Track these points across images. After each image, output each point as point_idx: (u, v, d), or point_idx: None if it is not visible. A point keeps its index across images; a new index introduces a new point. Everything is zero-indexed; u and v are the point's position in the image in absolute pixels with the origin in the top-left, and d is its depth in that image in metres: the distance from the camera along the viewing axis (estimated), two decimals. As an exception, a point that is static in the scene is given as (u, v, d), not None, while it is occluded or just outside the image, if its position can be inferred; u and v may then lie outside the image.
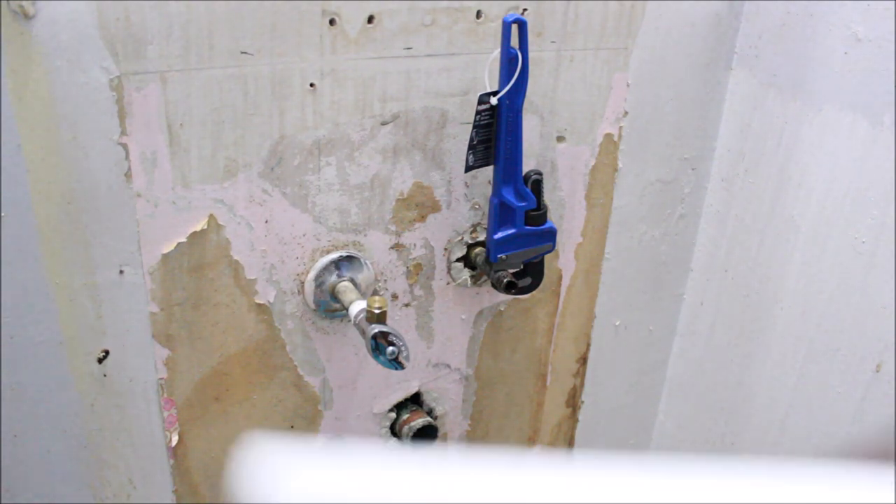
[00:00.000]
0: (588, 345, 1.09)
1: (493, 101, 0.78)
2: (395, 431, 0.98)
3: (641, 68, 0.92)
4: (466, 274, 0.92)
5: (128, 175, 0.71)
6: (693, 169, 1.03)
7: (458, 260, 0.91)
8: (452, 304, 0.94)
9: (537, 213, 0.85)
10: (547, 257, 0.90)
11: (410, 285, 0.91)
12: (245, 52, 0.71)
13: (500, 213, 0.84)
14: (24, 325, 0.72)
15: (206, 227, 0.76)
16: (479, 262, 0.90)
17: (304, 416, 0.91)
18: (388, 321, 0.77)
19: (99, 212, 0.71)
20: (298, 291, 0.84)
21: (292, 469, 0.25)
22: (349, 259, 0.84)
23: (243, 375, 0.85)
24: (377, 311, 0.75)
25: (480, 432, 1.06)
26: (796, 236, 0.94)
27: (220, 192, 0.76)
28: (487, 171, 0.85)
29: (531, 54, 0.79)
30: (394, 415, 0.97)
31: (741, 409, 1.08)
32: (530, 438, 1.13)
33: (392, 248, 0.87)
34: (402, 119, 0.81)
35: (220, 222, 0.77)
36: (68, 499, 0.82)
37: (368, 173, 0.82)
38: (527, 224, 0.85)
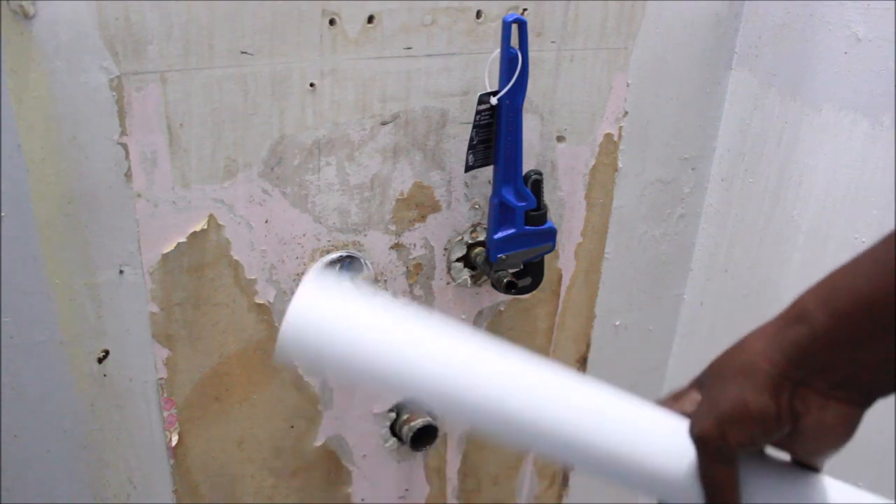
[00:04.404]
0: (588, 345, 1.09)
1: (493, 100, 0.78)
2: (395, 431, 0.98)
3: (641, 68, 0.92)
4: (466, 274, 0.92)
5: (128, 175, 0.71)
6: (693, 169, 1.03)
7: (458, 260, 0.91)
8: (452, 304, 0.94)
9: (537, 213, 0.85)
10: (547, 257, 0.90)
11: (410, 285, 0.91)
12: (245, 52, 0.71)
13: (500, 213, 0.84)
14: (24, 325, 0.72)
15: (206, 226, 0.76)
16: (479, 262, 0.90)
17: (304, 416, 0.91)
18: (388, 321, 0.76)
19: (99, 212, 0.71)
20: (298, 291, 0.84)
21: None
22: (349, 259, 0.84)
23: (243, 375, 0.85)
24: (377, 311, 0.75)
25: (480, 432, 1.06)
26: (796, 236, 0.94)
27: (220, 192, 0.76)
28: (487, 171, 0.85)
29: (531, 54, 0.79)
30: (394, 415, 0.97)
31: (741, 409, 1.08)
32: (530, 438, 1.13)
33: (392, 247, 0.87)
34: (402, 119, 0.81)
35: (220, 222, 0.77)
36: (68, 499, 0.82)
37: (368, 173, 0.82)
38: (527, 224, 0.85)
